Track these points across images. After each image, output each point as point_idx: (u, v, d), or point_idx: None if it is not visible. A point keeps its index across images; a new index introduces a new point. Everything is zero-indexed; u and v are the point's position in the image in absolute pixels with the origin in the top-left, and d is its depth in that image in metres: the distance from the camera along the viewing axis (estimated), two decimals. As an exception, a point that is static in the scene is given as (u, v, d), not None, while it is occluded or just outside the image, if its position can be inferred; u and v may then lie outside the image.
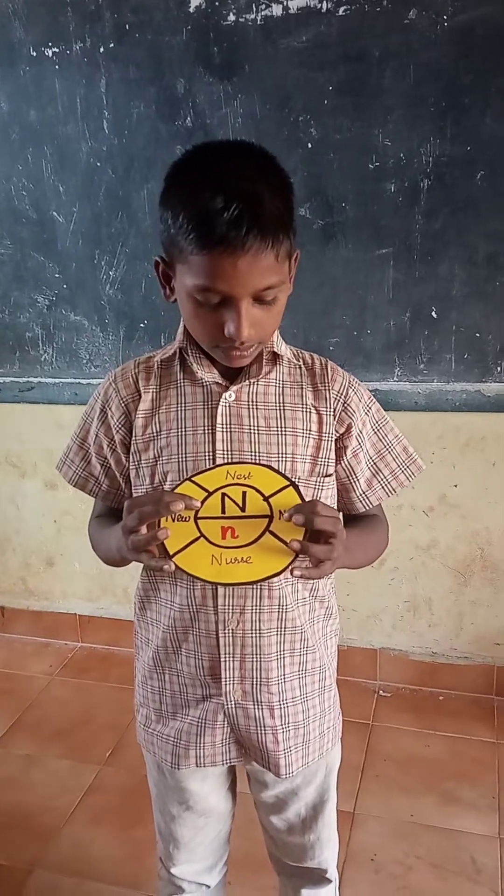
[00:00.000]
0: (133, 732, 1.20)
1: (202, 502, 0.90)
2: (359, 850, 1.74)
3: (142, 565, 1.01)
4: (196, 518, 0.91)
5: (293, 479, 0.91)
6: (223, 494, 0.91)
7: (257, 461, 0.98)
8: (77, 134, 2.08)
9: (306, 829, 1.21)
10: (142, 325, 2.21)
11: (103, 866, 1.73)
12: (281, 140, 1.94)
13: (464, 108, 1.83)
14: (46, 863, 1.74)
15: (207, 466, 0.99)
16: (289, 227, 0.90)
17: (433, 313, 2.00)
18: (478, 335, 1.99)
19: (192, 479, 0.91)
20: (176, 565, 0.91)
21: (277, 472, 0.91)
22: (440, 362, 2.03)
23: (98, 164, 2.10)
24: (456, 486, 2.15)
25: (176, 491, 0.91)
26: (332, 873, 1.28)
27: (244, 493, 0.91)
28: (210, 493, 0.91)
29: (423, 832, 1.80)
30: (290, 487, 0.91)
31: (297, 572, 0.91)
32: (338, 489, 1.11)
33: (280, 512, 0.90)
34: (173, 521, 0.91)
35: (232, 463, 0.94)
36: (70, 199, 2.15)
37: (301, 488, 0.92)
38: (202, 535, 0.91)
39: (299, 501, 0.91)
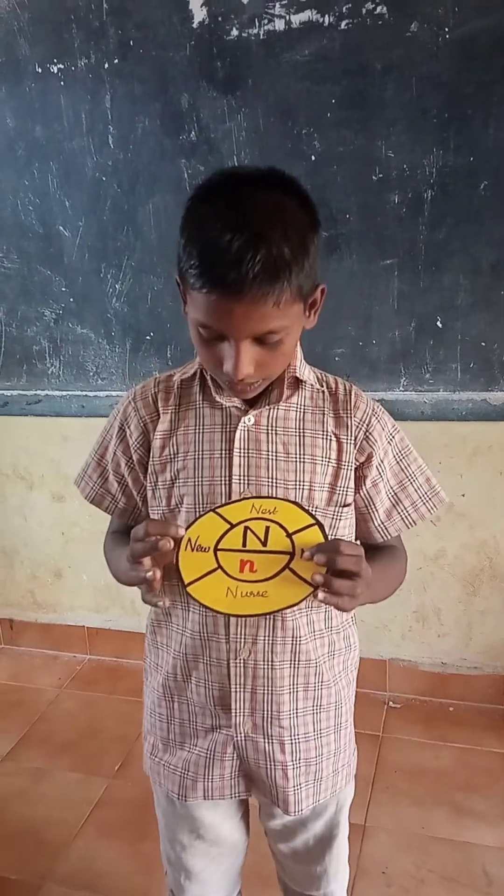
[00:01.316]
0: (142, 746, 1.19)
1: (224, 534, 0.89)
2: (370, 863, 1.73)
3: None
4: (216, 549, 0.89)
5: (318, 518, 0.89)
6: (246, 528, 0.89)
7: (284, 497, 0.95)
8: (82, 149, 2.10)
9: (313, 860, 1.19)
10: (148, 337, 2.22)
11: (112, 880, 1.72)
12: (284, 153, 1.95)
13: (466, 119, 1.84)
14: (56, 876, 1.74)
15: (226, 493, 0.98)
16: (297, 272, 0.86)
17: (438, 323, 2.00)
18: (483, 344, 1.99)
19: (216, 510, 0.89)
20: (190, 595, 0.90)
21: (304, 509, 0.89)
22: (446, 372, 2.03)
23: (103, 178, 2.11)
24: (463, 495, 2.14)
25: (198, 522, 0.89)
26: None
27: (267, 528, 0.89)
28: (233, 526, 0.89)
29: (434, 844, 1.79)
30: (315, 526, 0.89)
31: (320, 595, 0.88)
32: (356, 518, 1.08)
33: (302, 550, 0.88)
34: (193, 551, 0.89)
35: (258, 497, 0.92)
36: (76, 214, 2.17)
37: (319, 517, 0.90)
38: (220, 566, 0.89)
39: (323, 541, 0.89)
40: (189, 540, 0.89)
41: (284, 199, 0.88)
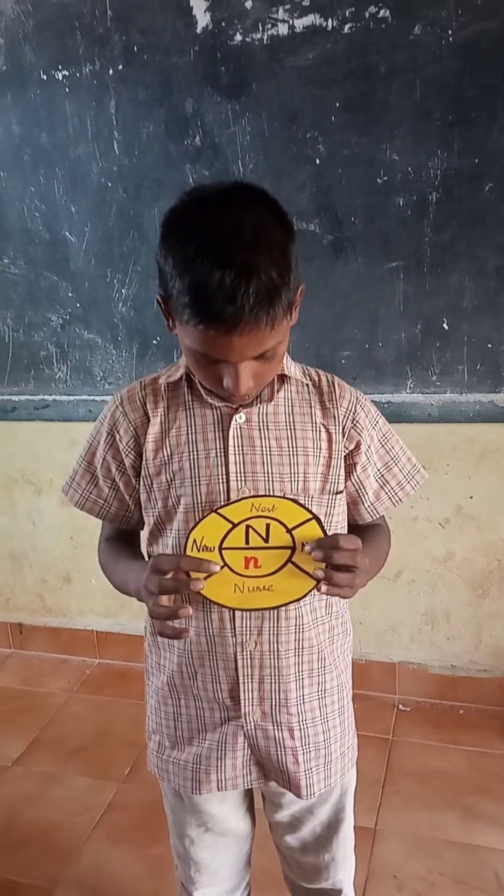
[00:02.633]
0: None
1: (227, 533, 0.92)
2: (381, 867, 1.73)
3: None
4: (221, 548, 0.93)
5: (315, 512, 0.93)
6: (247, 526, 0.92)
7: (282, 494, 0.99)
8: (88, 155, 2.11)
9: (321, 848, 1.20)
10: (154, 341, 2.22)
11: (124, 884, 1.72)
12: (289, 157, 1.96)
13: (470, 122, 1.84)
14: (67, 880, 1.74)
15: (224, 491, 1.01)
16: (286, 291, 0.88)
17: (444, 325, 2.00)
18: (490, 346, 1.99)
19: (218, 511, 0.92)
20: (200, 594, 0.93)
21: (301, 505, 0.93)
22: (453, 374, 2.03)
23: (109, 184, 2.12)
24: (471, 497, 2.14)
25: (202, 523, 0.92)
26: (348, 894, 1.26)
27: (268, 525, 0.92)
28: (235, 525, 0.92)
29: (445, 848, 1.78)
30: (313, 520, 0.92)
31: (323, 588, 0.91)
32: (346, 502, 1.12)
33: (302, 544, 0.92)
34: (199, 551, 0.92)
35: (257, 496, 0.95)
36: (82, 219, 2.18)
37: (314, 506, 0.94)
38: (226, 564, 0.93)
39: (321, 534, 0.92)
40: (195, 541, 0.93)
41: (261, 216, 0.89)
